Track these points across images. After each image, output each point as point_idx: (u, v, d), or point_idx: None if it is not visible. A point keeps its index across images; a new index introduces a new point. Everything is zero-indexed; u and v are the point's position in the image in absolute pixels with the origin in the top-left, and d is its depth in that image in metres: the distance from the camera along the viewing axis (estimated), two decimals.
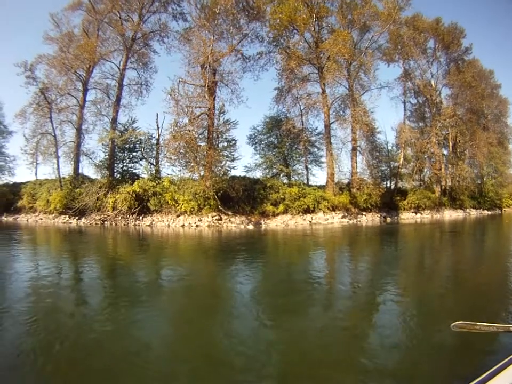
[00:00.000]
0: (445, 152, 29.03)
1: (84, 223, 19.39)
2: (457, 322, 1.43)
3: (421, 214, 24.45)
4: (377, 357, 2.57)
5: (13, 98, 44.34)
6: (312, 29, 23.54)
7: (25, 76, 21.43)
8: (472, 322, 1.43)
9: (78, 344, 2.88)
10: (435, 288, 4.98)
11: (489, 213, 30.72)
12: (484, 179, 32.47)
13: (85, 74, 22.67)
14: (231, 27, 21.75)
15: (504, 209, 35.55)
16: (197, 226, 17.35)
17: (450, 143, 28.47)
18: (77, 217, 19.90)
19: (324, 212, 19.88)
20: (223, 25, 21.94)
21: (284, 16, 22.53)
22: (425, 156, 26.22)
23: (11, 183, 24.93)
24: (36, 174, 24.70)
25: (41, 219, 20.95)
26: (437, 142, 25.81)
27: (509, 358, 1.32)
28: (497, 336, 2.72)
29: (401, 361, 2.54)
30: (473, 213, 28.77)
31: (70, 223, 19.69)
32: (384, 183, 25.92)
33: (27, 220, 21.20)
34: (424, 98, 27.20)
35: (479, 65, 31.14)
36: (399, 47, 25.92)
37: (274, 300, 4.27)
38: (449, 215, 26.24)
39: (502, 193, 34.46)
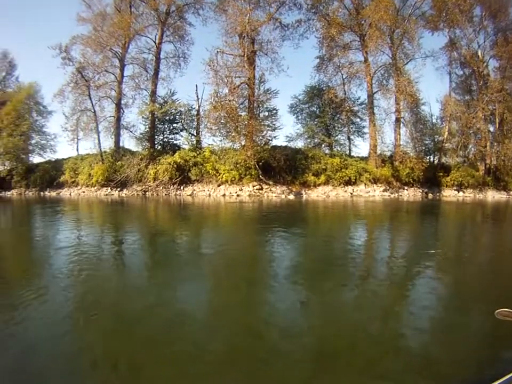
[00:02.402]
0: (491, 128, 27.13)
1: (125, 194, 19.99)
2: (501, 310, 1.34)
3: (463, 192, 23.20)
4: (411, 337, 2.56)
5: (51, 79, 44.93)
6: None
7: (61, 57, 21.61)
8: None
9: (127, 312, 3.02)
10: (476, 272, 4.71)
11: None
12: None
13: (121, 51, 22.77)
14: None
15: None
16: (237, 195, 17.45)
17: (497, 119, 26.46)
18: (118, 189, 20.51)
19: (365, 184, 19.38)
20: None
21: None
22: (471, 131, 24.58)
23: (53, 159, 25.49)
24: (77, 149, 25.12)
25: (83, 192, 21.62)
26: (483, 117, 24.16)
27: None
28: None
29: (441, 344, 2.45)
30: None
31: (112, 194, 20.32)
32: (427, 157, 24.68)
33: (70, 194, 21.76)
34: (471, 70, 25.38)
35: None
36: (444, 14, 24.08)
37: (313, 275, 4.29)
38: (492, 196, 24.63)
39: None
